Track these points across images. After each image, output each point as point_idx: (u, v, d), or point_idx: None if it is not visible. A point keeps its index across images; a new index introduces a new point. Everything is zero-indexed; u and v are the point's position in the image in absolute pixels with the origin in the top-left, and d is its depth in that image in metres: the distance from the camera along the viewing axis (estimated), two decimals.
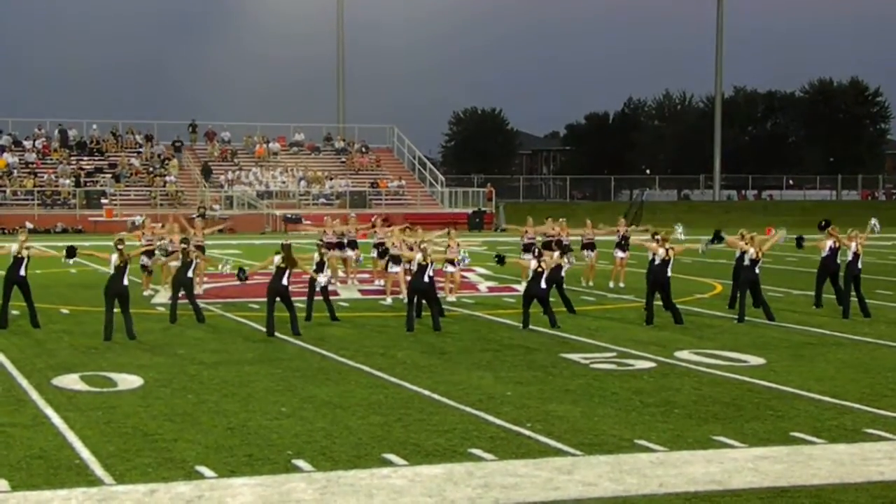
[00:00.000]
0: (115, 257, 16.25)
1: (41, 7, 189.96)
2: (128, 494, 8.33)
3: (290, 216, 52.82)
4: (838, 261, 19.92)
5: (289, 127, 67.61)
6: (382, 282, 24.14)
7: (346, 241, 24.86)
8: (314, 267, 18.25)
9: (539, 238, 24.53)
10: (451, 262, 21.25)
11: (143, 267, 22.85)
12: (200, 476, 8.85)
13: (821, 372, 13.80)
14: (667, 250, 18.08)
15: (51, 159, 58.84)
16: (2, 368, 13.83)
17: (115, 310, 16.25)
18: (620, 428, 10.60)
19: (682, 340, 16.40)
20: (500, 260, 18.57)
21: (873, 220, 21.18)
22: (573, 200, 74.94)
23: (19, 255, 17.23)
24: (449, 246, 21.52)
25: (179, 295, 18.22)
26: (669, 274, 18.16)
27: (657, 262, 18.13)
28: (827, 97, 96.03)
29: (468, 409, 11.43)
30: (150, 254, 23.07)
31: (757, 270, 18.51)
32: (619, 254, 24.60)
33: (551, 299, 18.08)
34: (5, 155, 57.69)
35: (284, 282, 16.81)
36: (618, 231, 24.68)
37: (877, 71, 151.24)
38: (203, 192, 56.15)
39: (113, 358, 14.62)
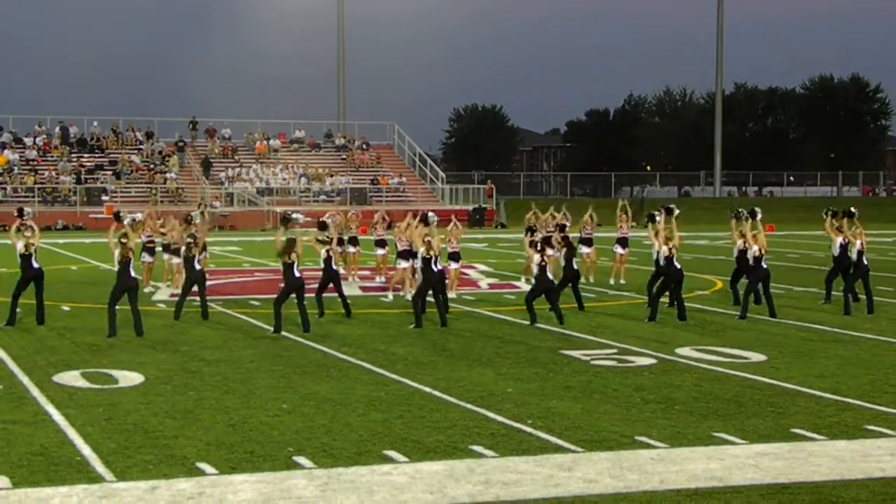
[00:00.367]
0: (117, 252, 16.27)
1: (42, 5, 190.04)
2: (129, 491, 8.32)
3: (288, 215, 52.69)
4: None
5: (289, 124, 67.71)
6: (384, 278, 24.17)
7: (346, 237, 24.87)
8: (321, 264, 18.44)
9: (544, 231, 24.42)
10: (455, 258, 21.33)
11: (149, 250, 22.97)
12: (201, 473, 8.85)
13: (822, 368, 13.80)
14: (670, 249, 18.16)
15: (51, 156, 58.86)
16: (3, 365, 13.84)
17: (118, 307, 16.26)
18: (621, 424, 10.60)
19: (683, 337, 16.40)
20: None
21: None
22: (574, 197, 74.85)
23: (26, 252, 17.28)
24: (449, 240, 21.53)
25: (191, 291, 18.20)
26: (678, 266, 18.26)
27: (662, 259, 18.18)
28: (828, 93, 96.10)
29: (469, 405, 11.44)
30: (151, 251, 23.09)
31: (764, 265, 18.62)
32: (620, 250, 24.59)
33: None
34: (6, 152, 57.71)
35: (297, 274, 16.88)
36: (620, 227, 24.69)
37: (877, 67, 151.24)
38: (203, 189, 56.15)
39: (114, 355, 14.62)
